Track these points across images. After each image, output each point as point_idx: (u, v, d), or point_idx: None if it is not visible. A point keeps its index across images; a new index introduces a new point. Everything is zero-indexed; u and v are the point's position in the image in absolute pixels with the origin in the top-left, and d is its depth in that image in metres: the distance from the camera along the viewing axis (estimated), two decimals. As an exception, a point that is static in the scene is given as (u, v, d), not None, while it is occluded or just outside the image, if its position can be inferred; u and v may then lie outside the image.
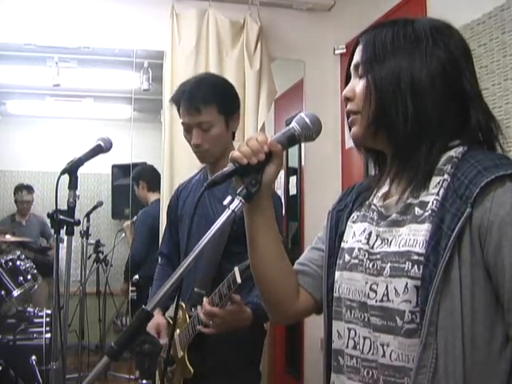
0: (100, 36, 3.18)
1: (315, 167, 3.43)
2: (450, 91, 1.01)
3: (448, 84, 1.01)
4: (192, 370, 2.00)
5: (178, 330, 2.10)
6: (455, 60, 1.02)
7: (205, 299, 1.84)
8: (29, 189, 5.19)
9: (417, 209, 0.99)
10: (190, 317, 2.05)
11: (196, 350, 2.03)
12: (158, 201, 3.53)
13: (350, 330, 1.07)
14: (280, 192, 3.76)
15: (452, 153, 1.00)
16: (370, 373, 1.01)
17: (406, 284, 0.95)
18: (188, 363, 2.02)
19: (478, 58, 2.12)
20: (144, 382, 1.70)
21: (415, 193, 1.01)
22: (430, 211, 0.96)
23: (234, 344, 1.97)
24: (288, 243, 3.74)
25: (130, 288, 3.83)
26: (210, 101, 1.99)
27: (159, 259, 2.39)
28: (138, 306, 2.41)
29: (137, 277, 3.88)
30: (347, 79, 1.13)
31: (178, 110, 2.08)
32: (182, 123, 2.06)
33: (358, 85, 1.07)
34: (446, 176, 0.98)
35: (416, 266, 0.94)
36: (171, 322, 2.21)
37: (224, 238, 1.98)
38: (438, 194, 0.97)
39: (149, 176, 4.05)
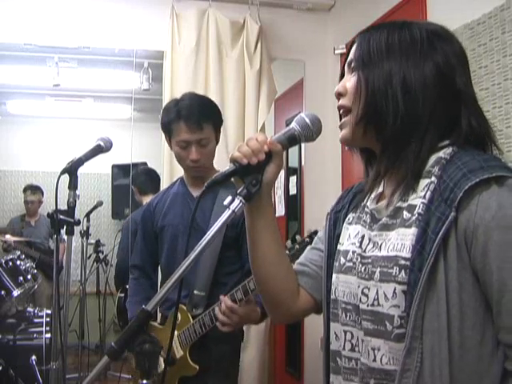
0: (100, 36, 3.18)
1: (315, 167, 3.43)
2: (443, 92, 1.01)
3: (441, 85, 1.00)
4: (197, 367, 2.08)
5: (175, 332, 2.11)
6: (450, 62, 1.02)
7: (222, 297, 1.91)
8: (33, 189, 5.19)
9: (405, 212, 0.99)
10: (193, 317, 2.08)
11: (194, 349, 2.10)
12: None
13: (346, 332, 1.07)
14: (280, 192, 3.76)
15: (441, 154, 1.00)
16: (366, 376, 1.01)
17: (395, 289, 0.94)
18: (191, 361, 2.09)
19: (478, 58, 2.11)
20: (144, 382, 1.70)
21: (404, 195, 1.00)
22: (416, 215, 0.96)
23: (229, 343, 2.13)
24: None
25: (119, 294, 3.79)
26: (208, 118, 2.14)
27: (132, 272, 2.36)
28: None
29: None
30: (342, 77, 1.12)
31: (170, 129, 2.15)
32: (179, 141, 2.13)
33: (349, 80, 1.07)
34: (433, 178, 0.97)
35: (403, 271, 0.94)
36: (158, 326, 2.25)
37: (218, 243, 2.10)
38: (424, 197, 0.96)
39: (138, 180, 4.02)
